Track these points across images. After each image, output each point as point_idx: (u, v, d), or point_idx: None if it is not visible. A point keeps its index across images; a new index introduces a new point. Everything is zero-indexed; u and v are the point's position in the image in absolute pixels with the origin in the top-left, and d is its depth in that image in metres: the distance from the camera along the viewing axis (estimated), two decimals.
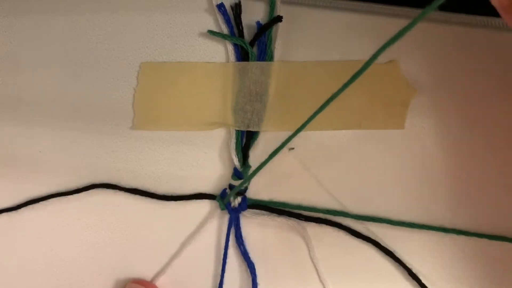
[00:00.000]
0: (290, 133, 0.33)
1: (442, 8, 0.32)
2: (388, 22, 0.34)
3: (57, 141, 0.35)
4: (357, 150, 0.33)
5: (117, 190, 0.34)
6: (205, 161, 0.34)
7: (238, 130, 0.33)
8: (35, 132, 0.35)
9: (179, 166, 0.34)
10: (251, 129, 0.33)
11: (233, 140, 0.33)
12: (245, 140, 0.33)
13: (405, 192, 0.33)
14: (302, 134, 0.33)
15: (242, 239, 0.33)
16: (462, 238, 0.32)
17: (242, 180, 0.32)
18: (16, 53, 0.36)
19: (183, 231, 0.34)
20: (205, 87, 0.34)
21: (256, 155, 0.33)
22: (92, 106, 0.35)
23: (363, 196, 0.33)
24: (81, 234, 0.35)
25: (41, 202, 0.34)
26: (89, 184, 0.34)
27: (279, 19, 0.33)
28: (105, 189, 0.34)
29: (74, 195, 0.34)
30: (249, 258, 0.33)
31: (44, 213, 0.35)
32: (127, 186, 0.34)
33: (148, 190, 0.34)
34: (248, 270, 0.33)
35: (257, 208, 0.33)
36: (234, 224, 0.33)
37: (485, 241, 0.31)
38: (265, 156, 0.33)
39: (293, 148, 0.33)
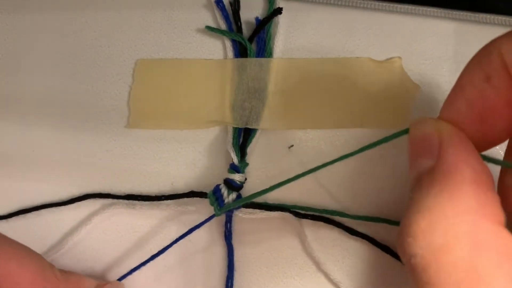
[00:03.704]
0: (289, 130, 0.33)
1: (445, 5, 0.33)
2: (388, 19, 0.33)
3: (50, 139, 0.34)
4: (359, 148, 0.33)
5: (111, 199, 0.33)
6: (202, 160, 0.33)
7: (235, 128, 0.33)
8: (28, 131, 0.34)
9: (175, 165, 0.33)
10: (249, 126, 0.32)
11: (230, 136, 0.32)
12: (244, 138, 0.33)
13: (406, 192, 0.32)
14: (301, 132, 0.33)
15: (230, 236, 0.32)
16: None
17: (239, 174, 0.31)
18: (9, 51, 0.36)
19: (178, 232, 0.32)
20: (203, 84, 0.34)
21: (253, 153, 0.33)
22: (86, 104, 0.34)
23: (363, 196, 0.32)
24: (75, 245, 0.33)
25: (33, 212, 0.33)
26: (82, 194, 0.33)
27: (279, 11, 0.32)
28: (98, 198, 0.33)
29: (67, 205, 0.33)
30: (232, 255, 0.32)
31: (36, 223, 0.34)
32: (122, 190, 0.33)
33: (142, 193, 0.33)
34: (227, 271, 0.32)
35: (251, 207, 0.31)
36: (227, 220, 0.31)
37: None
38: (263, 154, 0.33)
39: (292, 146, 0.33)
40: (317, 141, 0.33)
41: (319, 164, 0.32)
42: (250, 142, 0.32)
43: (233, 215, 0.32)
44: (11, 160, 0.34)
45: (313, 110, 0.33)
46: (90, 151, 0.34)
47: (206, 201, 0.31)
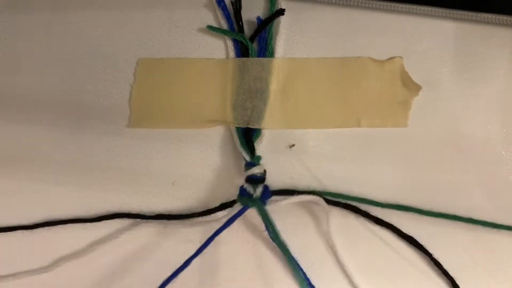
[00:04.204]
0: (290, 129, 0.33)
1: (446, 4, 0.33)
2: (389, 19, 0.33)
3: (52, 139, 0.34)
4: (359, 148, 0.33)
5: (140, 219, 0.33)
6: (203, 159, 0.33)
7: (238, 127, 0.33)
8: (29, 130, 0.34)
9: (176, 164, 0.33)
10: (250, 126, 0.32)
11: (236, 137, 0.32)
12: (247, 137, 0.33)
13: (406, 191, 0.32)
14: (303, 132, 0.33)
15: (276, 234, 0.30)
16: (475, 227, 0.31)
17: (257, 166, 0.31)
18: (11, 51, 0.36)
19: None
20: (204, 83, 0.34)
21: (258, 152, 0.32)
22: (88, 104, 0.34)
23: (363, 195, 0.32)
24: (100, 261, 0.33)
25: (58, 225, 0.33)
26: (111, 213, 0.33)
27: (281, 12, 0.32)
28: (127, 218, 0.33)
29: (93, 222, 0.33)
30: (288, 251, 0.30)
31: (61, 235, 0.33)
32: (122, 190, 0.33)
33: (152, 204, 0.33)
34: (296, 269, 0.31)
35: (281, 195, 0.31)
36: (263, 216, 0.30)
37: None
38: (268, 153, 0.33)
39: (293, 145, 0.33)
40: (318, 141, 0.33)
41: (320, 164, 0.33)
42: (255, 141, 0.32)
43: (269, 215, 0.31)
44: (11, 160, 0.34)
45: (314, 110, 0.33)
46: (91, 150, 0.34)
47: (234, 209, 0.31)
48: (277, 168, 0.33)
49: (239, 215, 0.31)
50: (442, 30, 0.33)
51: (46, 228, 0.33)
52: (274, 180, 0.32)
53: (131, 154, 0.34)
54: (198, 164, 0.33)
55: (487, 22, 0.33)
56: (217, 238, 0.31)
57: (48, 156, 0.34)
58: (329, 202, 0.31)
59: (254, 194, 0.31)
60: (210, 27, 0.34)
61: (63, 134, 0.34)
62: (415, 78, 0.33)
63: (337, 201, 0.31)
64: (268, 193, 0.31)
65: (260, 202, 0.30)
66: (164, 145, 0.34)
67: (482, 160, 0.32)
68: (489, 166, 0.32)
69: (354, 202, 0.31)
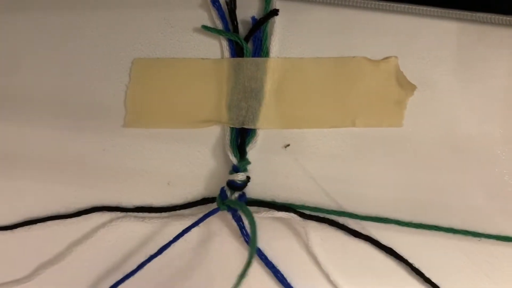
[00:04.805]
0: (285, 129, 0.33)
1: (442, 4, 0.33)
2: (384, 18, 0.33)
3: (47, 139, 0.34)
4: (355, 148, 0.33)
5: (119, 212, 0.33)
6: (199, 159, 0.33)
7: (233, 128, 0.33)
8: (25, 130, 0.35)
9: (172, 164, 0.33)
10: (246, 126, 0.32)
11: (228, 137, 0.32)
12: (241, 137, 0.33)
13: (401, 191, 0.32)
14: (298, 131, 0.33)
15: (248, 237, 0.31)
16: (458, 237, 0.31)
17: (240, 173, 0.31)
18: (7, 50, 0.36)
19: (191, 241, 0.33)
20: (199, 83, 0.34)
21: (253, 152, 0.33)
22: (83, 104, 0.34)
23: (358, 195, 0.32)
24: (80, 257, 0.33)
25: (39, 224, 0.33)
26: (89, 207, 0.33)
27: (275, 12, 0.32)
28: (106, 212, 0.33)
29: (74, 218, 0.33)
30: (264, 255, 0.32)
31: (41, 234, 0.33)
32: (120, 190, 0.33)
33: (147, 204, 0.33)
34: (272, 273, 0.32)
35: (256, 205, 0.32)
36: (237, 222, 0.31)
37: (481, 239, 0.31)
38: (263, 153, 0.33)
39: (288, 145, 0.33)
40: (314, 141, 0.33)
41: (315, 164, 0.33)
42: (250, 141, 0.32)
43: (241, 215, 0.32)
44: (10, 160, 0.34)
45: (309, 110, 0.33)
46: (87, 150, 0.34)
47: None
48: (272, 168, 0.33)
49: (209, 216, 0.31)
50: (438, 30, 0.33)
51: (26, 228, 0.33)
52: (269, 180, 0.32)
53: (126, 153, 0.34)
54: (194, 164, 0.33)
55: (483, 22, 0.33)
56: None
57: (44, 155, 0.34)
58: (306, 216, 0.31)
59: (229, 198, 0.31)
60: (205, 27, 0.34)
61: (59, 134, 0.34)
62: (411, 77, 0.33)
63: (315, 215, 0.31)
64: (242, 202, 0.31)
65: (227, 208, 0.31)
66: (160, 145, 0.34)
67: (478, 160, 0.32)
68: (485, 166, 0.32)
69: (332, 215, 0.31)
